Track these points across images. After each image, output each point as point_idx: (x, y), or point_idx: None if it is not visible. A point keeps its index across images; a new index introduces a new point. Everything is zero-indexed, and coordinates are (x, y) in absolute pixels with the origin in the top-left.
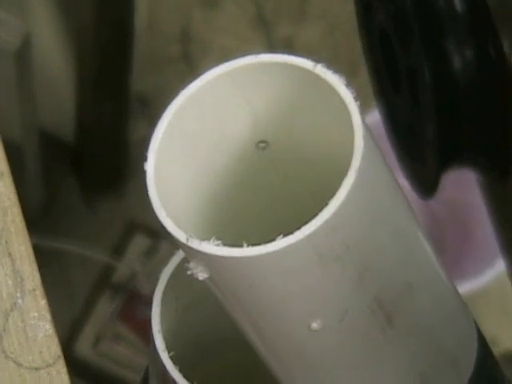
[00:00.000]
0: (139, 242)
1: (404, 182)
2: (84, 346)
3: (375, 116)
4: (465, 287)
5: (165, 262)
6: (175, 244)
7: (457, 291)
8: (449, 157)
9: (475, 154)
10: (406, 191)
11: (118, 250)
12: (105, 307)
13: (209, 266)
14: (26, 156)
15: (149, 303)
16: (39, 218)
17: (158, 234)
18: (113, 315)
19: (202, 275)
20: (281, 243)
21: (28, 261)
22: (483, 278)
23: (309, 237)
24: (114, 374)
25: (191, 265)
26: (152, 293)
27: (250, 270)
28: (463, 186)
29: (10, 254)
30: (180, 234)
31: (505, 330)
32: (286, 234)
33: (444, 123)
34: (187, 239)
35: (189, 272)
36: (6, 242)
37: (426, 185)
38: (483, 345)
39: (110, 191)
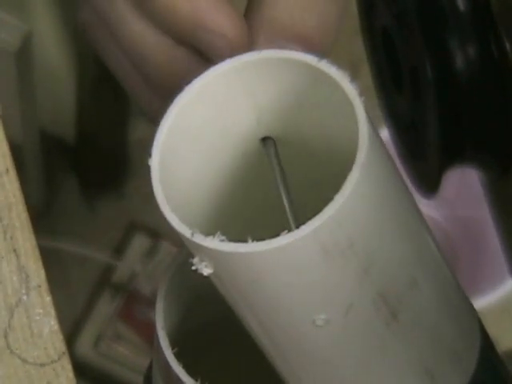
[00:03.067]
0: (139, 242)
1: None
2: (84, 346)
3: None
4: (481, 303)
5: (165, 262)
6: (178, 241)
7: (460, 286)
8: (451, 155)
9: (477, 152)
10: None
11: (118, 250)
12: (105, 307)
13: (213, 262)
14: (26, 156)
15: (149, 303)
16: (39, 218)
17: (158, 234)
18: (113, 315)
19: (206, 271)
20: (286, 238)
21: (33, 257)
22: (498, 293)
23: (314, 232)
24: (114, 373)
25: (195, 260)
26: (152, 293)
27: (254, 265)
28: (473, 204)
29: (15, 251)
30: (185, 230)
31: (506, 328)
32: (290, 229)
33: (446, 121)
34: (192, 234)
35: (193, 267)
36: (11, 239)
37: (428, 183)
38: (486, 340)
39: (110, 191)
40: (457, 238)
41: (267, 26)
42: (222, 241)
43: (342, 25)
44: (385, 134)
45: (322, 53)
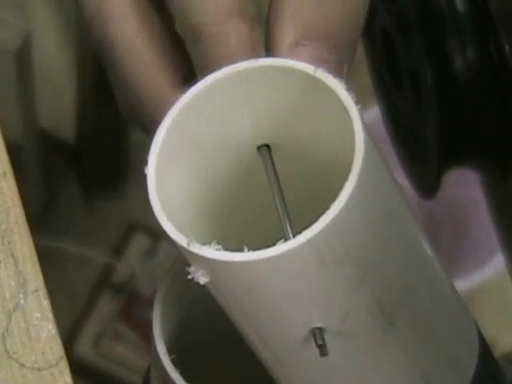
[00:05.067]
0: (139, 242)
1: (404, 183)
2: (84, 346)
3: (375, 114)
4: (461, 285)
5: (165, 262)
6: (175, 247)
7: (457, 292)
8: (450, 157)
9: (476, 155)
10: (405, 191)
11: (118, 250)
12: (105, 307)
13: (209, 271)
14: (26, 156)
15: (149, 303)
16: (39, 218)
17: (158, 234)
18: (113, 315)
19: (202, 279)
20: (282, 248)
21: (31, 261)
22: (480, 275)
23: (310, 241)
24: (114, 374)
25: (192, 269)
26: (152, 293)
27: (250, 274)
28: (460, 184)
29: (12, 255)
30: (181, 239)
31: (504, 330)
32: (287, 238)
33: (445, 123)
34: (188, 244)
35: (189, 276)
36: (9, 243)
37: (427, 184)
38: (484, 346)
39: (110, 191)
40: (441, 216)
41: (289, 27)
42: (218, 250)
43: (365, 17)
44: (375, 112)
45: (347, 49)
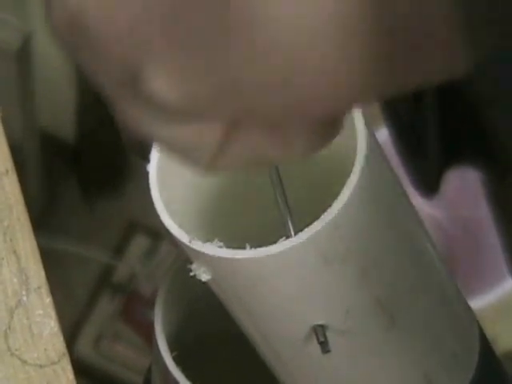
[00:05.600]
0: (139, 242)
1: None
2: (84, 346)
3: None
4: (477, 303)
5: (165, 262)
6: (177, 244)
7: (459, 291)
8: (451, 155)
9: (476, 153)
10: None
11: (118, 250)
12: (105, 307)
13: (212, 268)
14: (26, 156)
15: (149, 303)
16: (39, 219)
17: (158, 233)
18: (113, 315)
19: (204, 276)
20: (284, 245)
21: (33, 259)
22: (494, 293)
23: (311, 238)
24: (115, 373)
25: (194, 266)
26: (152, 293)
27: (252, 271)
28: (475, 203)
29: (15, 252)
30: (183, 236)
31: (505, 329)
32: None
33: (446, 121)
34: (190, 241)
35: (191, 273)
36: (11, 240)
37: (428, 183)
38: (485, 343)
39: (110, 191)
40: (456, 237)
41: None
42: (220, 247)
43: None
44: (384, 133)
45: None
